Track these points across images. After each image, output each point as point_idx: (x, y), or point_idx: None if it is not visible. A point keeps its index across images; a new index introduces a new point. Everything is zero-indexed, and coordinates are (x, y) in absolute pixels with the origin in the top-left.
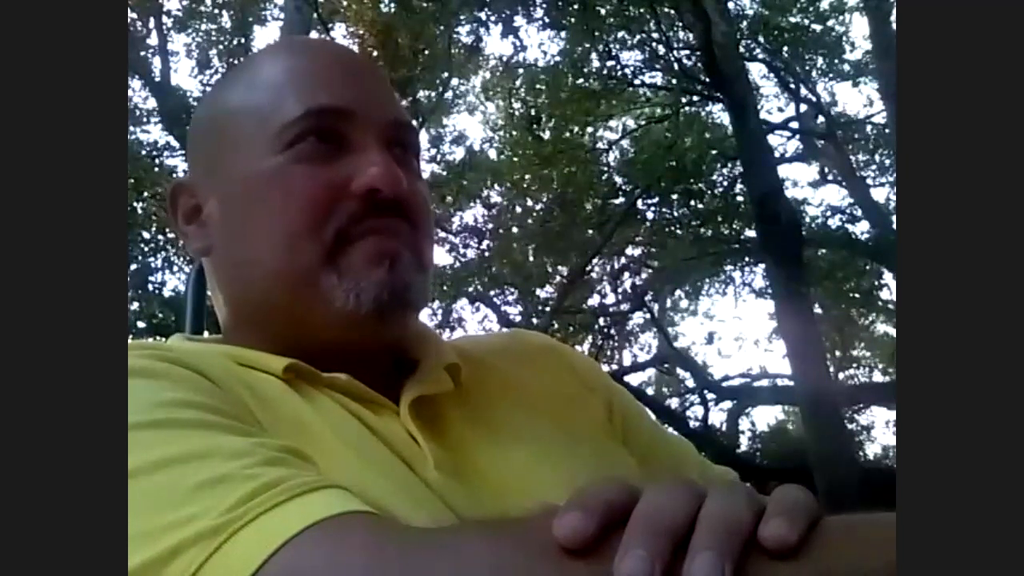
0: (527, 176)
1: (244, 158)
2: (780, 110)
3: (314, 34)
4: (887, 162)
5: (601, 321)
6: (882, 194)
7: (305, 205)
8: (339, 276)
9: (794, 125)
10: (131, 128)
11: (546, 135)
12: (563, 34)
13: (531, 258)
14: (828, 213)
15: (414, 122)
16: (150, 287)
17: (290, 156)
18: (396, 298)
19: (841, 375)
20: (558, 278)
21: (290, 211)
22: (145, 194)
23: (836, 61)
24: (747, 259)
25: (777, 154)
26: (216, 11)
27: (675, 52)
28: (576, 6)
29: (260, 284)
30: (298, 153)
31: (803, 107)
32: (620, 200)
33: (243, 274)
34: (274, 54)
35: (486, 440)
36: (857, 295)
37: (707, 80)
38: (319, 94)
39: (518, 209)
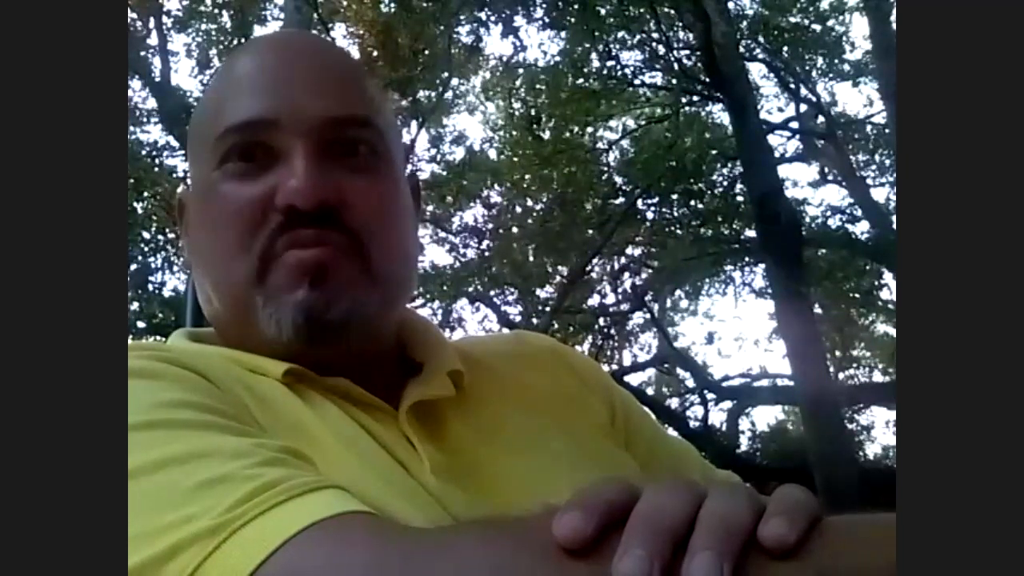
0: (527, 176)
1: (198, 172)
2: (780, 110)
3: (314, 33)
4: (887, 162)
5: (601, 321)
6: (882, 194)
7: (232, 224)
8: (264, 299)
9: (794, 125)
10: (131, 128)
11: (546, 135)
12: (563, 34)
13: (531, 258)
14: (828, 213)
15: (374, 114)
16: (150, 287)
17: (222, 173)
18: (316, 320)
19: (841, 375)
20: (558, 278)
21: (221, 230)
22: (145, 194)
23: (836, 61)
24: (747, 259)
25: (777, 154)
26: (216, 11)
27: (675, 52)
28: (576, 6)
29: (211, 301)
30: (226, 171)
31: (803, 107)
32: (620, 200)
33: (201, 290)
34: (229, 60)
35: (487, 444)
36: (857, 295)
37: (707, 80)
38: (243, 106)
39: (518, 209)
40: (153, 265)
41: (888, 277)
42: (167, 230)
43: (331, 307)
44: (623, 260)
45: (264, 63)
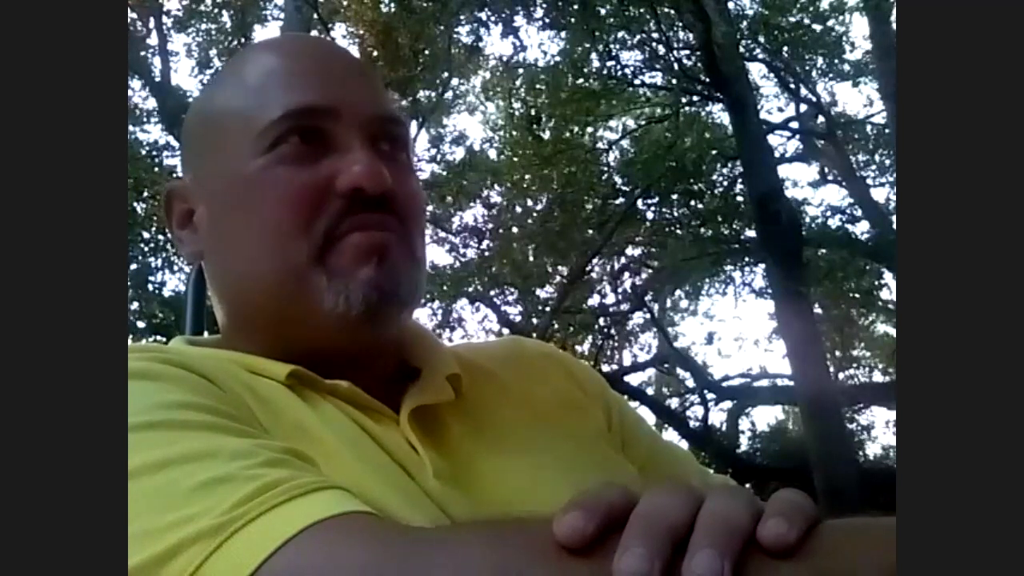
0: (527, 176)
1: (229, 161)
2: (780, 110)
3: (314, 34)
4: (887, 162)
5: (601, 321)
6: (882, 194)
7: (291, 206)
8: (328, 277)
9: (794, 125)
10: (131, 128)
11: (546, 135)
12: (563, 34)
13: (531, 258)
14: (828, 213)
15: (403, 116)
16: (150, 287)
17: (273, 157)
18: (386, 296)
19: (841, 375)
20: (558, 278)
21: (276, 213)
22: (145, 194)
23: (836, 61)
24: (747, 259)
25: (777, 154)
26: (216, 11)
27: (675, 52)
28: (576, 6)
29: (250, 287)
30: (281, 154)
31: (803, 107)
32: (620, 200)
33: (234, 278)
34: (257, 53)
35: (486, 449)
36: (857, 295)
37: (707, 80)
38: (299, 93)
39: (518, 209)
40: (153, 265)
41: (888, 277)
42: (167, 230)
43: (399, 286)
44: (623, 260)
45: (304, 56)
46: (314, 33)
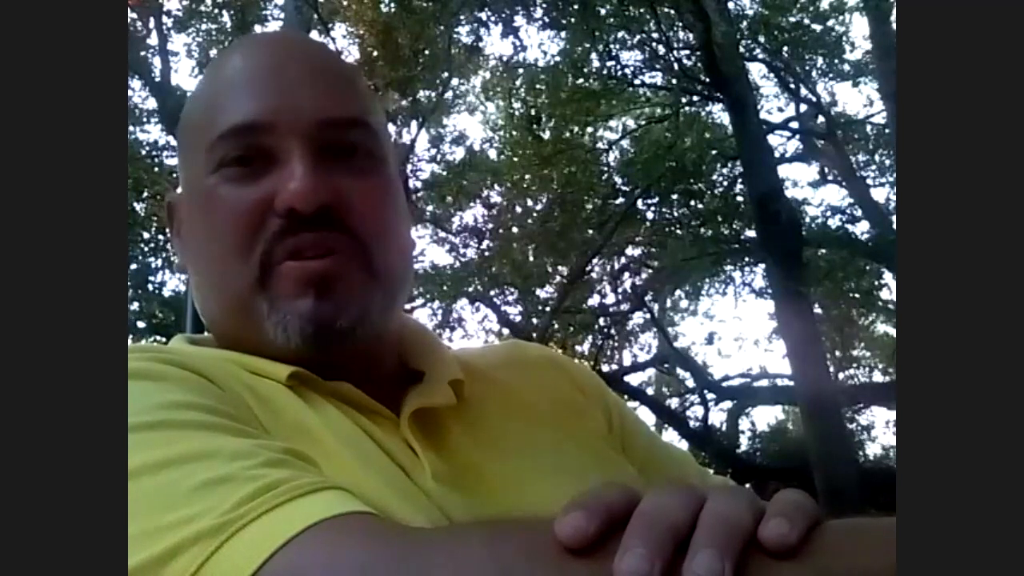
0: (527, 176)
1: (192, 175)
2: (780, 110)
3: (314, 34)
4: (887, 162)
5: (601, 321)
6: (882, 194)
7: (231, 229)
8: (269, 304)
9: (794, 125)
10: (131, 128)
11: (546, 135)
12: (563, 34)
13: (531, 258)
14: (828, 213)
15: (369, 116)
16: (150, 287)
17: (218, 177)
18: (325, 329)
19: (841, 375)
20: (558, 278)
21: (220, 235)
22: (145, 194)
23: (836, 61)
24: (747, 259)
25: (777, 154)
26: (216, 11)
27: (675, 52)
28: (576, 6)
29: (209, 306)
30: (224, 175)
31: (803, 107)
32: (620, 200)
33: (198, 295)
34: (221, 58)
35: (487, 452)
36: (857, 295)
37: (707, 80)
38: (240, 109)
39: (518, 209)
40: (153, 265)
41: (888, 277)
42: (167, 230)
43: (340, 315)
44: (623, 260)
45: (256, 64)
46: (313, 33)
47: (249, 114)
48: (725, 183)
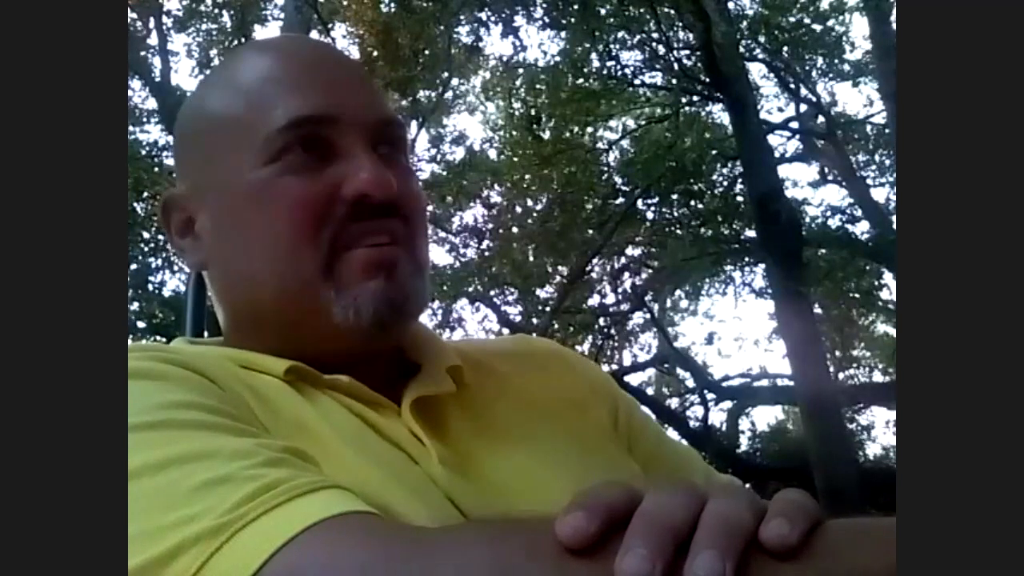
0: (527, 176)
1: (231, 170)
2: (780, 110)
3: (315, 34)
4: (887, 162)
5: (601, 321)
6: (882, 194)
7: (298, 216)
8: (336, 289)
9: (794, 125)
10: (131, 128)
11: (546, 135)
12: (563, 34)
13: (531, 258)
14: (828, 213)
15: (401, 118)
16: (150, 287)
17: (277, 168)
18: (395, 309)
19: (841, 375)
20: (558, 278)
21: (283, 223)
22: (145, 194)
23: (836, 61)
24: (747, 259)
25: (777, 154)
26: (216, 11)
27: (675, 52)
28: (576, 6)
29: (259, 297)
30: (285, 165)
31: (803, 107)
32: (620, 200)
33: (241, 287)
34: (253, 56)
35: (487, 441)
36: (857, 295)
37: (707, 80)
38: (301, 102)
39: (518, 209)
40: (153, 265)
41: (888, 277)
42: (167, 240)
43: (407, 298)
44: (623, 260)
45: (302, 62)
46: (314, 33)
47: (314, 107)
48: (725, 183)
